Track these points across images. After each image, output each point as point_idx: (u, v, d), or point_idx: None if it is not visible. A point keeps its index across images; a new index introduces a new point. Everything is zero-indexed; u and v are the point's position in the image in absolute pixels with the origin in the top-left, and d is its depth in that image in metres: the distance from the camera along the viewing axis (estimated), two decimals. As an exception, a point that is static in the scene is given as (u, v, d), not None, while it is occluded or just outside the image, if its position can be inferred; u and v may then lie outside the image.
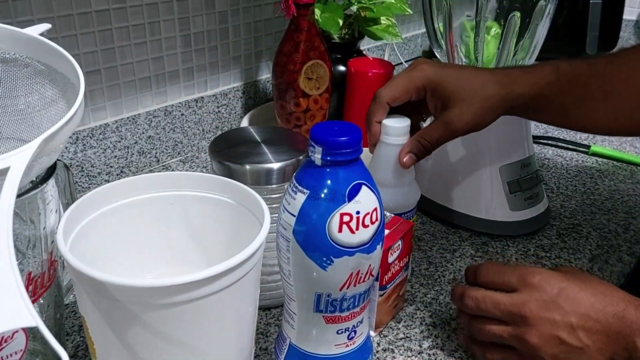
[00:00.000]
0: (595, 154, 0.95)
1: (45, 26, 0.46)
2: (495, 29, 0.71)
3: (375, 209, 0.43)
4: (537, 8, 0.69)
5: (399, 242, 0.54)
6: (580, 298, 0.46)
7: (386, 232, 0.54)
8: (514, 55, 0.72)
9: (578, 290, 0.46)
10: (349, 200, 0.42)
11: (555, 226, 0.75)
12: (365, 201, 0.42)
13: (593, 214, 0.78)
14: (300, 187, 0.42)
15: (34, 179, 0.41)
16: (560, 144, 0.98)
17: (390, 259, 0.54)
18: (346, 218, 0.42)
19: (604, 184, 0.86)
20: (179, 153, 0.88)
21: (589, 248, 0.70)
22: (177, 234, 0.48)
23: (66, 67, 0.43)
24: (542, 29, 0.71)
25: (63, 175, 0.45)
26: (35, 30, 0.44)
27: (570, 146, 0.97)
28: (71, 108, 0.40)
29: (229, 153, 0.55)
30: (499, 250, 0.70)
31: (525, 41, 0.71)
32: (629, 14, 1.50)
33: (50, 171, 0.41)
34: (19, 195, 0.34)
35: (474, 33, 0.72)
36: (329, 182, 0.42)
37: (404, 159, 0.56)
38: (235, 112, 0.96)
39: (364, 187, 0.43)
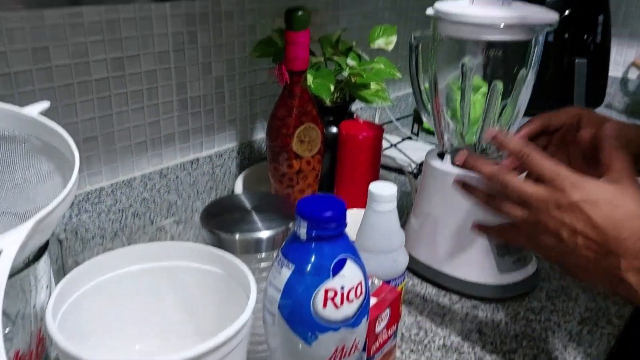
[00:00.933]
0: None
1: (44, 104, 0.48)
2: (484, 88, 0.74)
3: (360, 283, 0.44)
4: (518, 76, 0.72)
5: (387, 311, 0.55)
6: (595, 210, 0.49)
7: (374, 300, 0.54)
8: (499, 119, 0.74)
9: (596, 203, 0.49)
10: (334, 275, 0.43)
11: (545, 288, 0.75)
12: (350, 275, 0.44)
13: (582, 275, 0.78)
14: (285, 262, 0.44)
15: (27, 256, 0.42)
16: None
17: (378, 329, 0.54)
18: (331, 293, 0.43)
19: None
20: (173, 214, 0.89)
21: (579, 311, 0.71)
22: (167, 305, 0.49)
23: (62, 144, 0.45)
24: (524, 95, 0.73)
25: (56, 249, 0.46)
26: (35, 109, 0.47)
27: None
28: (67, 183, 0.42)
29: (219, 221, 0.56)
30: (488, 314, 0.70)
31: (508, 107, 0.74)
32: (614, 71, 1.55)
33: (43, 248, 0.43)
34: (11, 275, 0.35)
35: (460, 97, 0.74)
36: (313, 257, 0.43)
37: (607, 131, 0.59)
38: (230, 172, 0.97)
39: (348, 261, 0.44)
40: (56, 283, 0.43)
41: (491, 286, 0.72)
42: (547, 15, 0.67)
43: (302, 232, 0.43)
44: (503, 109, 0.74)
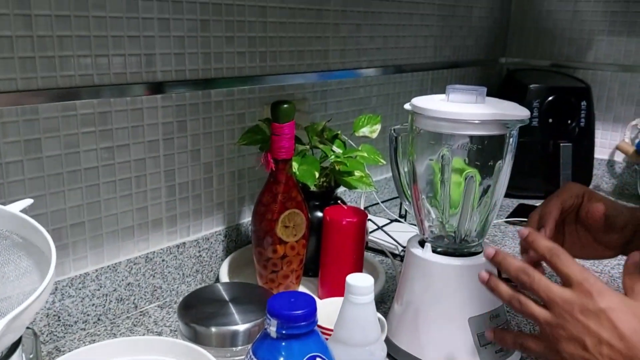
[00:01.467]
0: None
1: (27, 202, 0.50)
2: (466, 171, 0.76)
3: (330, 381, 0.44)
4: (495, 167, 0.74)
5: (363, 406, 0.54)
6: (623, 320, 0.49)
7: (349, 395, 0.54)
8: (477, 207, 0.76)
9: (625, 314, 0.49)
10: (303, 375, 0.43)
11: (530, 379, 0.74)
12: (319, 374, 0.44)
13: None
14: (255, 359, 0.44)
15: (1, 353, 0.42)
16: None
17: None
18: (300, 393, 0.43)
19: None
20: (157, 298, 0.89)
21: None
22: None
23: (42, 241, 0.46)
24: (501, 184, 0.75)
25: (30, 345, 0.46)
26: (17, 207, 0.48)
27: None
28: (44, 279, 0.43)
29: (196, 314, 0.57)
30: (471, 407, 0.69)
31: (486, 198, 0.76)
32: (600, 154, 1.59)
33: (16, 344, 0.43)
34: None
35: (440, 188, 0.77)
36: (283, 355, 0.43)
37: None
38: (217, 256, 0.98)
39: (318, 360, 0.44)
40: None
41: (475, 375, 0.72)
42: (519, 112, 0.70)
43: (272, 330, 0.44)
44: (482, 196, 0.76)
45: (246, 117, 0.98)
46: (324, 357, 0.44)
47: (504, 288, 0.58)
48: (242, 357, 0.55)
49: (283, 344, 0.43)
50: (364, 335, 0.59)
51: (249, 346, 0.55)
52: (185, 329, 0.56)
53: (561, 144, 1.44)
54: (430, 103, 0.71)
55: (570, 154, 1.44)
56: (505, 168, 0.75)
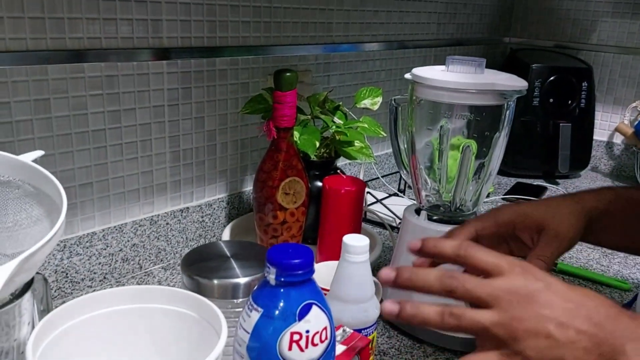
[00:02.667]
0: (562, 272, 0.98)
1: (38, 153, 0.52)
2: (464, 142, 0.78)
3: (325, 328, 0.47)
4: (493, 138, 0.76)
5: (356, 359, 0.57)
6: (571, 295, 0.43)
7: (343, 348, 0.57)
8: (473, 177, 0.78)
9: (567, 288, 0.44)
10: (300, 320, 0.45)
11: (518, 343, 0.77)
12: (315, 320, 0.46)
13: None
14: (255, 306, 0.46)
15: (13, 292, 0.45)
16: (529, 259, 1.02)
17: (347, 375, 0.56)
18: (296, 337, 0.45)
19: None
20: (161, 260, 0.92)
21: None
22: (142, 344, 0.51)
23: (53, 191, 0.49)
24: (497, 155, 0.77)
25: (41, 288, 0.49)
26: (29, 157, 0.50)
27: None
28: (54, 227, 0.45)
29: (199, 267, 0.59)
30: (461, 367, 0.72)
31: (482, 167, 0.78)
32: (599, 135, 1.60)
33: (27, 286, 0.45)
34: (-4, 309, 0.38)
35: (437, 157, 0.79)
36: (281, 301, 0.46)
37: (539, 265, 0.56)
38: (219, 222, 1.01)
39: (314, 307, 0.46)
40: (41, 318, 0.46)
41: (465, 339, 0.74)
42: (516, 83, 0.71)
43: (271, 277, 0.46)
44: (479, 167, 0.78)
45: (250, 86, 1.00)
46: (319, 304, 0.47)
47: (427, 309, 0.45)
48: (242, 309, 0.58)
49: (282, 290, 0.46)
50: (359, 292, 0.62)
51: (247, 300, 0.58)
52: (189, 281, 0.58)
53: (561, 124, 1.45)
54: (430, 73, 0.73)
55: (569, 135, 1.46)
56: (501, 140, 0.77)
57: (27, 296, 0.46)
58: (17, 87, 0.71)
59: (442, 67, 0.76)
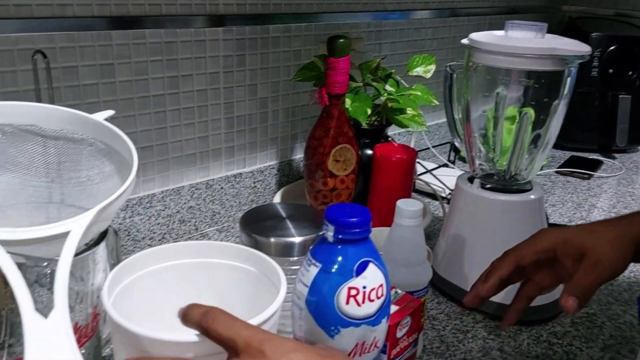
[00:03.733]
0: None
1: (109, 112, 0.54)
2: (517, 118, 0.77)
3: (381, 285, 0.48)
4: (551, 106, 0.75)
5: (408, 319, 0.58)
6: None
7: (396, 308, 0.58)
8: (529, 147, 0.77)
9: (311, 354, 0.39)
10: (357, 276, 0.47)
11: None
12: (371, 277, 0.47)
13: (609, 304, 0.79)
14: (313, 261, 0.48)
15: (88, 242, 0.48)
16: (582, 232, 1.00)
17: (399, 334, 0.57)
18: (353, 292, 0.47)
19: (623, 275, 0.87)
20: (216, 223, 0.95)
21: (602, 338, 0.72)
22: (204, 296, 0.53)
23: (124, 148, 0.51)
24: (555, 125, 0.76)
25: (112, 240, 0.52)
26: (101, 116, 0.53)
27: (591, 235, 0.99)
28: (124, 183, 0.47)
29: (256, 227, 0.61)
30: (511, 335, 0.72)
31: (540, 135, 0.76)
32: (660, 109, 1.53)
33: (102, 236, 0.48)
34: (74, 256, 0.41)
35: (492, 126, 0.78)
36: (339, 257, 0.47)
37: (567, 303, 0.53)
38: (270, 188, 1.03)
39: (371, 264, 0.48)
40: (111, 269, 0.49)
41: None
42: (579, 47, 0.70)
43: (330, 235, 0.47)
44: (535, 138, 0.77)
45: (302, 54, 1.01)
46: (376, 262, 0.48)
47: None
48: (297, 267, 0.60)
49: (339, 247, 0.47)
50: (411, 255, 0.63)
51: (305, 255, 0.59)
52: (247, 239, 0.60)
53: (620, 96, 1.40)
54: (488, 37, 0.72)
55: (628, 107, 1.40)
56: (561, 108, 0.75)
57: (102, 246, 0.48)
58: (84, 52, 0.74)
59: (501, 32, 0.75)
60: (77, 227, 0.41)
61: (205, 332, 0.39)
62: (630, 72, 1.42)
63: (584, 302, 0.54)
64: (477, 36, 0.73)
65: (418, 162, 1.15)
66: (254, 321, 0.41)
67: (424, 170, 1.18)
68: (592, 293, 0.54)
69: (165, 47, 0.82)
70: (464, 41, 0.75)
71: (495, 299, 0.74)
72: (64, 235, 0.40)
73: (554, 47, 0.69)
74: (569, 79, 0.73)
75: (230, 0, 0.88)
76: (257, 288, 0.52)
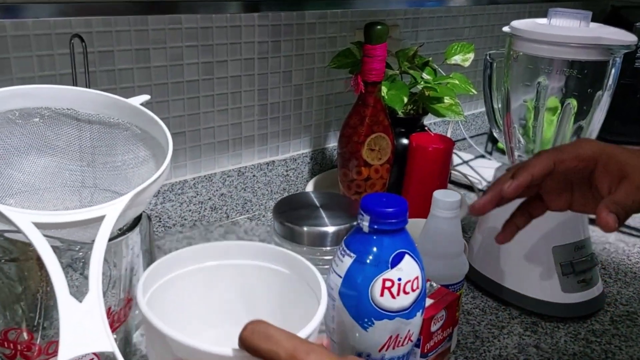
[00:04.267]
0: None
1: (145, 97, 0.54)
2: (558, 110, 0.74)
3: (417, 278, 0.47)
4: (594, 98, 0.72)
5: (443, 312, 0.57)
6: None
7: (431, 301, 0.56)
8: (570, 139, 0.74)
9: None
10: (392, 267, 0.46)
11: (610, 312, 0.74)
12: (407, 269, 0.46)
13: (652, 303, 0.77)
14: (348, 251, 0.47)
15: (122, 227, 0.48)
16: (624, 229, 0.97)
17: (433, 328, 0.56)
18: (388, 283, 0.45)
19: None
20: (247, 211, 0.95)
21: (644, 337, 0.69)
22: (234, 298, 0.51)
23: (159, 133, 0.51)
24: (598, 116, 0.73)
25: (145, 225, 0.52)
26: (137, 100, 0.53)
27: (633, 232, 0.96)
28: (159, 168, 0.47)
29: (290, 215, 0.60)
30: (548, 331, 0.70)
31: (582, 127, 0.74)
32: None
33: (136, 221, 0.48)
34: (109, 240, 0.41)
35: (533, 116, 0.75)
36: (374, 248, 0.46)
37: (607, 218, 0.48)
38: (302, 176, 1.02)
39: (406, 256, 0.47)
40: (143, 255, 0.48)
41: (553, 304, 0.72)
42: (625, 37, 0.67)
43: (365, 225, 0.46)
44: (577, 130, 0.74)
45: (337, 41, 0.99)
46: (412, 253, 0.47)
47: None
48: (330, 257, 0.59)
49: (374, 237, 0.46)
50: (448, 248, 0.61)
51: (339, 245, 0.58)
52: (280, 227, 0.60)
53: (669, 88, 1.35)
54: (531, 25, 0.69)
55: (677, 99, 1.35)
56: (604, 99, 0.72)
57: (136, 231, 0.48)
58: (120, 37, 0.74)
59: (544, 20, 0.72)
60: (112, 211, 0.40)
61: (244, 345, 0.35)
62: (681, 63, 1.36)
63: (621, 223, 0.48)
64: (519, 24, 0.70)
65: (454, 153, 1.13)
66: (302, 334, 0.37)
67: (461, 161, 1.15)
68: (629, 215, 0.49)
69: (201, 33, 0.81)
70: (506, 29, 0.72)
71: (533, 294, 0.73)
72: (100, 219, 0.40)
73: (598, 36, 0.66)
74: (613, 70, 0.70)
75: (265, -14, 0.87)
76: (288, 289, 0.49)
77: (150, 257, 0.55)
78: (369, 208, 0.46)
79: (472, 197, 1.05)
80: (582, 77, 0.71)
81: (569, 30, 0.67)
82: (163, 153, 0.49)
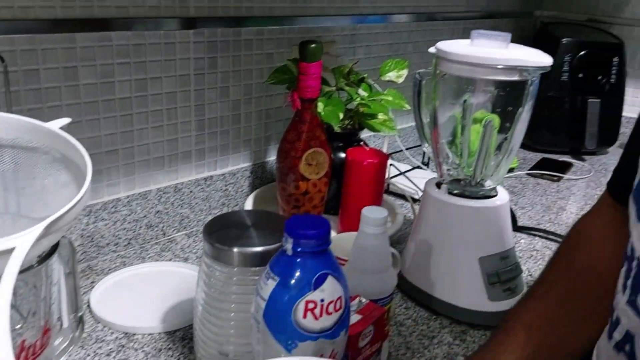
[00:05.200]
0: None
1: (66, 120, 0.53)
2: (486, 117, 0.77)
3: (340, 298, 0.48)
4: (516, 113, 0.75)
5: (371, 328, 0.58)
6: None
7: (359, 317, 0.58)
8: (495, 152, 0.78)
9: None
10: (315, 289, 0.47)
11: (535, 319, 0.77)
12: (330, 290, 0.47)
13: (573, 309, 0.80)
14: (272, 274, 0.48)
15: (40, 255, 0.47)
16: (550, 236, 1.01)
17: (361, 344, 0.57)
18: (311, 305, 0.46)
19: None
20: (185, 227, 0.94)
21: (565, 343, 0.73)
22: None
23: (79, 157, 0.50)
24: (519, 131, 0.77)
25: (66, 251, 0.51)
26: (57, 124, 0.52)
27: (558, 239, 1.00)
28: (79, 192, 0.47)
29: (219, 235, 0.60)
30: (476, 340, 0.73)
31: (504, 142, 0.77)
32: (629, 112, 1.56)
33: (54, 248, 0.47)
34: (26, 269, 0.40)
35: (460, 132, 0.78)
36: (297, 270, 0.47)
37: None
38: (243, 191, 1.02)
39: (329, 277, 0.48)
40: (66, 279, 0.48)
41: (481, 313, 0.75)
42: (541, 59, 0.70)
43: (288, 247, 0.47)
44: (501, 142, 0.78)
45: (275, 57, 1.00)
46: (335, 274, 0.48)
47: None
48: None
49: (298, 260, 0.47)
50: (376, 263, 0.63)
51: (265, 268, 0.59)
52: (209, 248, 0.60)
53: (589, 100, 1.42)
54: (455, 47, 0.72)
55: (597, 111, 1.42)
56: (524, 115, 0.76)
57: (54, 258, 0.47)
58: (47, 55, 0.72)
59: (467, 42, 0.75)
60: (22, 243, 0.40)
61: None
62: (600, 77, 1.43)
63: None
64: (443, 45, 0.73)
65: (391, 164, 1.15)
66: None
67: (398, 173, 1.18)
68: None
69: (133, 49, 0.81)
70: (432, 50, 0.75)
71: (462, 304, 0.75)
72: (9, 252, 0.39)
73: (516, 58, 0.69)
74: (531, 87, 0.74)
75: (201, 3, 0.87)
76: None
77: (73, 283, 0.54)
78: (292, 231, 0.47)
79: (407, 207, 1.08)
80: (504, 95, 0.74)
81: (489, 53, 0.70)
82: (84, 176, 0.49)
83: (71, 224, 0.47)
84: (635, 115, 1.28)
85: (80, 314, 0.59)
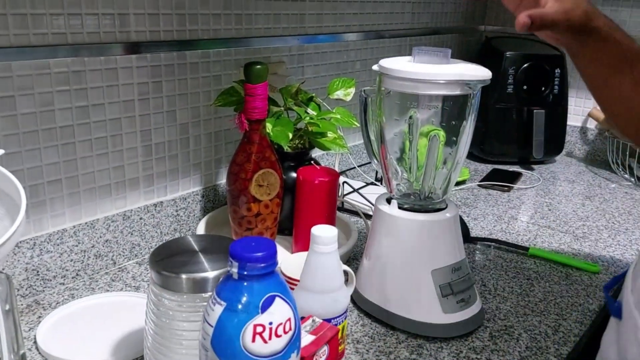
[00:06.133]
0: (533, 256, 1.00)
1: None
2: (431, 131, 0.78)
3: (289, 319, 0.48)
4: (460, 126, 0.77)
5: (325, 348, 0.58)
6: None
7: (312, 338, 0.57)
8: (443, 165, 0.79)
9: None
10: (263, 312, 0.46)
11: (489, 328, 0.79)
12: (278, 312, 0.47)
13: (526, 315, 0.82)
14: (218, 300, 0.47)
15: (-27, 293, 0.45)
16: (502, 245, 1.04)
17: (315, 364, 0.57)
18: (259, 329, 0.46)
19: (540, 285, 0.90)
20: (135, 255, 0.92)
21: (519, 350, 0.74)
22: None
23: (12, 189, 0.48)
24: (463, 145, 0.78)
25: (4, 287, 0.49)
26: (-10, 156, 0.50)
27: (511, 248, 1.03)
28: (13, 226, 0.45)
29: (167, 263, 0.59)
30: (432, 353, 0.73)
31: (450, 154, 0.78)
32: (573, 121, 1.62)
33: (-11, 285, 0.45)
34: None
35: (407, 148, 0.79)
36: (244, 294, 0.46)
37: (522, 18, 0.59)
38: (194, 215, 1.01)
39: (277, 299, 0.47)
40: (5, 316, 0.46)
41: (435, 325, 0.75)
42: (480, 73, 0.72)
43: (234, 271, 0.46)
44: (449, 155, 0.79)
45: (222, 79, 1.00)
46: (282, 296, 0.47)
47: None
48: (211, 303, 0.58)
49: (245, 284, 0.46)
50: (328, 282, 0.63)
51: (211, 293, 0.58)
52: (157, 276, 0.58)
53: (534, 111, 1.47)
54: (397, 64, 0.74)
55: (543, 121, 1.47)
56: (468, 128, 0.77)
57: (-11, 296, 0.45)
58: (-19, 85, 0.70)
59: (409, 58, 0.77)
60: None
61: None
62: (543, 88, 1.49)
63: (534, 27, 0.60)
64: (386, 62, 0.74)
65: (345, 182, 1.16)
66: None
67: (351, 190, 1.19)
68: (545, 25, 0.60)
69: (72, 77, 0.79)
70: (375, 67, 0.76)
71: (417, 317, 0.75)
72: None
73: (457, 72, 0.71)
74: (474, 101, 0.76)
75: (142, 28, 0.86)
76: None
77: (13, 319, 0.52)
78: (237, 254, 0.46)
79: (362, 224, 1.09)
80: (448, 109, 0.76)
81: (431, 68, 0.72)
82: (17, 210, 0.47)
83: (4, 259, 0.45)
84: (579, 124, 1.36)
85: (22, 351, 0.56)
